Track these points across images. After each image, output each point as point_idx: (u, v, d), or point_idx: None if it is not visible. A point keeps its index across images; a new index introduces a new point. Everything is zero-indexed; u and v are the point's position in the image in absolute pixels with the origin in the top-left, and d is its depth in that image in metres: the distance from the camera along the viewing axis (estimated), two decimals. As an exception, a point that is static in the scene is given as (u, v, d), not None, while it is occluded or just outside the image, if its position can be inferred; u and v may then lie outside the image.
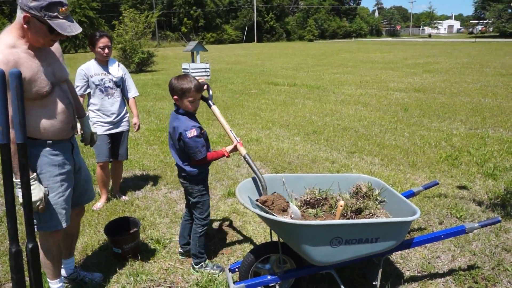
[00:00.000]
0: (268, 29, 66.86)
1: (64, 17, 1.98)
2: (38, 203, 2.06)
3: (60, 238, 2.39)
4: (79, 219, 2.70)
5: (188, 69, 14.12)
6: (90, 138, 2.69)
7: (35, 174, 2.09)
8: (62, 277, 2.60)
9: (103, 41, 3.71)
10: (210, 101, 2.84)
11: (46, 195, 2.12)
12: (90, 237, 3.37)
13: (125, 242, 2.97)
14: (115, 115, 3.89)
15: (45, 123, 2.13)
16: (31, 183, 2.03)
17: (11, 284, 1.93)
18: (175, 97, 2.62)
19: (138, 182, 4.68)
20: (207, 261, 2.88)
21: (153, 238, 3.33)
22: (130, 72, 4.21)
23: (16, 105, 1.51)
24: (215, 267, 2.85)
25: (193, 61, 14.55)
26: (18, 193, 2.03)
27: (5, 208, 1.78)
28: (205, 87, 2.76)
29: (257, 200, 2.45)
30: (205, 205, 2.83)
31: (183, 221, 3.05)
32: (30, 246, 1.79)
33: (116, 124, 3.94)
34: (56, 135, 2.20)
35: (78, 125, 2.66)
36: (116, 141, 4.03)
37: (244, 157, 2.67)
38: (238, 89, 12.04)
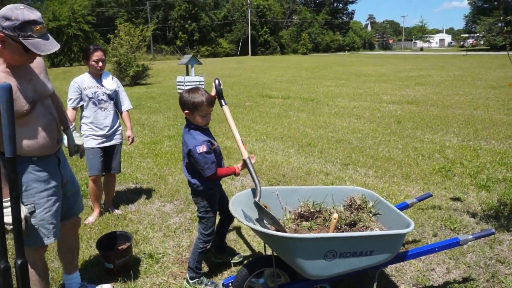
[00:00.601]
0: (263, 42, 67.45)
1: (39, 36, 1.94)
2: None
3: (44, 254, 2.36)
4: (75, 231, 2.65)
5: (182, 82, 14.15)
6: (75, 150, 2.64)
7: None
8: None
9: (97, 55, 3.71)
10: (223, 100, 2.74)
11: (27, 217, 2.06)
12: (82, 252, 3.32)
13: (117, 257, 2.93)
14: (108, 128, 3.88)
15: (28, 140, 2.09)
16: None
17: (-1, 301, 1.89)
18: (186, 111, 2.56)
19: (131, 196, 4.64)
20: (202, 277, 2.83)
21: (146, 252, 3.29)
22: (124, 85, 4.21)
23: (6, 118, 1.50)
24: (209, 283, 2.80)
25: (187, 74, 14.60)
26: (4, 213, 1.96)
27: (-6, 223, 1.75)
28: (221, 86, 2.72)
29: (255, 202, 2.43)
30: (210, 222, 2.77)
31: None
32: (19, 262, 1.76)
33: (109, 137, 3.92)
34: (41, 152, 2.17)
35: (65, 138, 2.63)
36: (109, 154, 4.00)
37: (244, 161, 2.63)
38: (232, 101, 12.08)
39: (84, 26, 41.09)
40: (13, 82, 2.00)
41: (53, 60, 39.00)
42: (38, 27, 1.92)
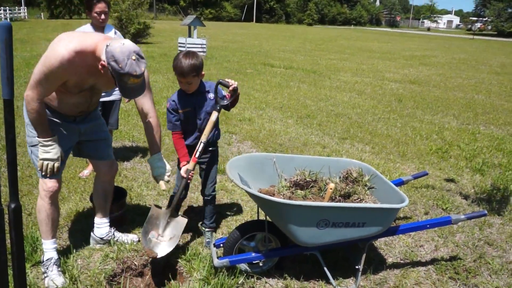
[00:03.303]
0: (268, 9, 65.93)
1: (131, 85, 2.04)
2: (54, 162, 2.24)
3: (56, 195, 2.40)
4: (112, 175, 2.71)
5: (184, 43, 13.87)
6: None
7: (55, 136, 2.26)
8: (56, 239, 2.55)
9: (100, 7, 3.58)
10: (219, 105, 2.58)
11: (62, 156, 2.30)
12: (75, 204, 3.33)
13: (110, 211, 2.94)
14: (107, 83, 3.81)
15: (55, 101, 2.28)
16: (51, 143, 2.22)
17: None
18: None
19: (127, 153, 4.63)
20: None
21: (139, 209, 3.30)
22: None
23: (5, 59, 1.45)
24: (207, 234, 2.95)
25: (189, 35, 14.28)
26: (39, 152, 2.23)
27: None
28: (231, 87, 2.55)
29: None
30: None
31: None
32: (12, 206, 1.74)
33: (107, 92, 3.85)
34: (62, 110, 2.34)
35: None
36: (107, 110, 3.96)
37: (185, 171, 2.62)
38: (233, 67, 11.91)
39: (86, -22, 39.84)
40: (85, 77, 2.16)
41: (52, 12, 38.01)
42: (136, 80, 2.00)
